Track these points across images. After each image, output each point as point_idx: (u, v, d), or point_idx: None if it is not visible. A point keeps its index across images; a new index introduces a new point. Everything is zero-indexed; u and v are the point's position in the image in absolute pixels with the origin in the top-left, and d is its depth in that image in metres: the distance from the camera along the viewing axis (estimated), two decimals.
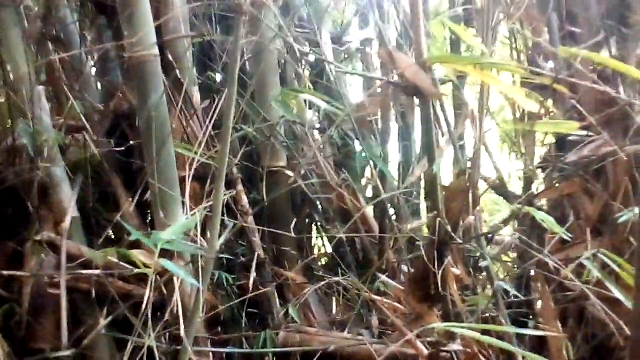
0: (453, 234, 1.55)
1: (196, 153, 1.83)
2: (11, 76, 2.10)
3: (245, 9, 1.19)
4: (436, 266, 1.53)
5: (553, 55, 2.73)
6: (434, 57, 1.37)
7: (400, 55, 1.41)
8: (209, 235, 1.40)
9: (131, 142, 2.23)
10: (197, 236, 1.51)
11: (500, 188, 2.37)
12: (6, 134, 2.34)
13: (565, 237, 2.01)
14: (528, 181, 2.78)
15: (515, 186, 3.11)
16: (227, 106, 1.23)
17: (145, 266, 1.43)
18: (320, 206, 2.39)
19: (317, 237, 2.53)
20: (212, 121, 2.13)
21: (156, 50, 1.63)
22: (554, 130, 1.57)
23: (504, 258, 2.77)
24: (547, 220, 1.62)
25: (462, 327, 1.34)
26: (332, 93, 2.32)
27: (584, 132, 2.14)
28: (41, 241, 1.83)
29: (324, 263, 2.55)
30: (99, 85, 2.50)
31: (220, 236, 1.30)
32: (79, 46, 2.41)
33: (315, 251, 2.62)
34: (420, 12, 1.32)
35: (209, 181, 1.93)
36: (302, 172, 2.27)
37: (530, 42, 2.91)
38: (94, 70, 2.60)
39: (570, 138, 2.43)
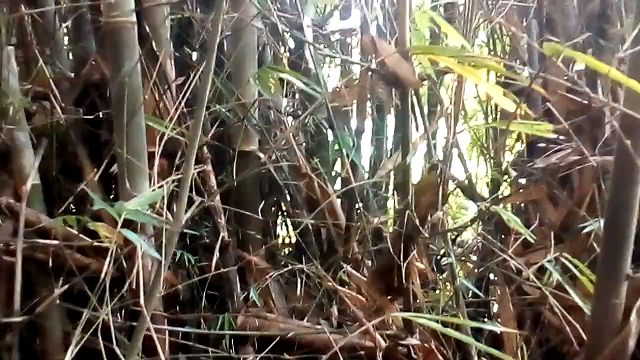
0: (420, 228, 1.55)
1: (167, 127, 1.80)
2: None
3: None
4: (401, 259, 1.53)
5: (529, 62, 2.78)
6: (417, 47, 1.37)
7: (383, 43, 1.40)
8: (174, 209, 1.37)
9: (100, 113, 2.20)
10: (162, 209, 1.48)
11: (467, 189, 2.39)
12: None
13: (529, 240, 2.05)
14: (495, 185, 2.83)
15: (483, 190, 3.16)
16: (203, 82, 1.21)
17: (106, 237, 1.39)
18: (288, 193, 2.37)
19: (282, 223, 2.50)
20: (185, 97, 2.11)
21: (133, 18, 1.59)
22: (527, 130, 1.57)
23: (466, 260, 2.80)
24: (512, 220, 1.64)
25: (421, 317, 1.35)
26: (309, 78, 2.30)
27: (554, 136, 2.18)
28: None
29: (288, 251, 2.54)
30: (70, 53, 2.44)
31: (186, 212, 1.27)
32: (52, 6, 2.34)
33: (280, 239, 2.60)
34: (405, 2, 1.31)
35: (177, 157, 1.92)
36: (273, 157, 2.25)
37: (508, 47, 2.97)
38: (66, 36, 2.54)
39: (539, 145, 2.47)
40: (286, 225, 2.51)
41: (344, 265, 1.88)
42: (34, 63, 2.25)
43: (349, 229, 2.22)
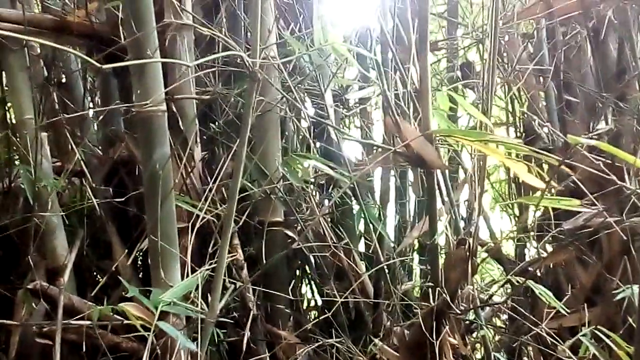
0: (451, 304, 1.54)
1: (195, 206, 1.83)
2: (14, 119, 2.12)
3: (259, 76, 1.21)
4: (433, 335, 1.52)
5: (549, 120, 2.80)
6: (440, 131, 1.39)
7: (406, 125, 1.44)
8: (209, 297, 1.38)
9: (130, 191, 2.24)
10: (196, 298, 1.49)
11: (495, 253, 2.38)
12: (2, 176, 2.35)
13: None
14: (521, 244, 2.80)
15: (508, 246, 3.13)
16: (236, 170, 1.24)
17: (144, 327, 1.40)
18: (314, 262, 2.37)
19: (308, 293, 2.50)
20: (213, 176, 2.16)
21: (164, 106, 1.64)
22: (556, 205, 1.58)
23: (495, 320, 2.76)
24: (545, 294, 1.63)
25: None
26: (332, 147, 2.34)
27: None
28: (34, 290, 1.80)
29: (314, 318, 2.53)
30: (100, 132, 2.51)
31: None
32: (82, 91, 2.43)
33: (307, 306, 2.59)
34: (428, 83, 1.35)
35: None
36: (298, 227, 2.27)
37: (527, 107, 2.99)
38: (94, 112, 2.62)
39: None
40: (313, 294, 2.51)
41: (374, 339, 1.86)
42: (64, 141, 2.33)
43: (378, 297, 2.21)
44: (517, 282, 1.69)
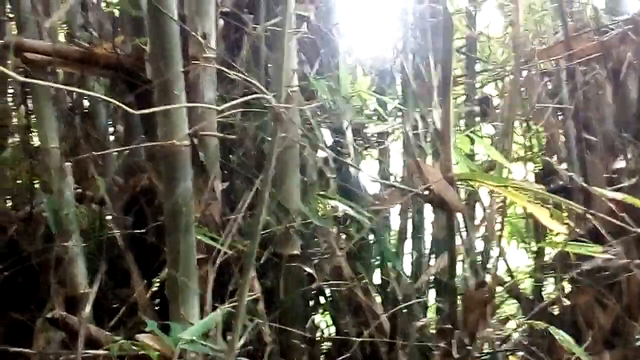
0: (470, 347, 1.53)
1: (214, 239, 1.84)
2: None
3: (284, 117, 1.23)
4: None
5: (568, 158, 2.79)
6: (462, 175, 1.40)
7: (428, 167, 1.44)
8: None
9: (149, 220, 2.26)
10: (215, 336, 1.50)
11: (513, 291, 2.37)
12: (23, 202, 2.39)
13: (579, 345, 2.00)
14: (539, 281, 2.78)
15: (525, 283, 3.10)
16: (258, 209, 1.25)
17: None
18: (330, 297, 2.37)
19: (322, 324, 2.49)
20: (231, 206, 2.17)
21: (187, 140, 1.66)
22: (579, 251, 1.57)
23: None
24: (564, 339, 1.61)
25: None
26: (349, 179, 2.35)
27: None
28: (53, 319, 1.81)
29: (328, 353, 2.51)
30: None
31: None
32: (105, 120, 2.47)
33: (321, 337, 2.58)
34: (450, 126, 1.36)
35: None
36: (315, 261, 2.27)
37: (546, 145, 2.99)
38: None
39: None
40: (328, 327, 2.50)
41: None
42: (86, 170, 2.36)
43: (394, 334, 2.20)
44: (536, 326, 1.67)
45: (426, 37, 1.83)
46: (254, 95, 1.39)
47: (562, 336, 1.63)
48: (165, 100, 1.61)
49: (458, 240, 1.94)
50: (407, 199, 1.90)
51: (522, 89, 2.77)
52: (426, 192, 1.40)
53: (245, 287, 1.27)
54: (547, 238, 2.92)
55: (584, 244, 1.63)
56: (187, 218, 1.64)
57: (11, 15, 2.28)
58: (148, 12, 1.61)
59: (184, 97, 1.65)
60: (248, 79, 1.50)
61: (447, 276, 1.45)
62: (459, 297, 1.54)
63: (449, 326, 1.53)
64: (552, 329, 1.65)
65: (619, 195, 1.28)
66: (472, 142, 1.50)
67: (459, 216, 1.69)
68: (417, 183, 1.59)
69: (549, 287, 2.82)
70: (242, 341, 1.41)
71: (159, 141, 1.73)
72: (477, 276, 1.68)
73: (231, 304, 1.47)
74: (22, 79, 1.60)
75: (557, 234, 2.02)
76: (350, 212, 1.86)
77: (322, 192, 2.09)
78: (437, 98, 1.48)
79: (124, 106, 0.95)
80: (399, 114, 1.93)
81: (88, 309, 1.87)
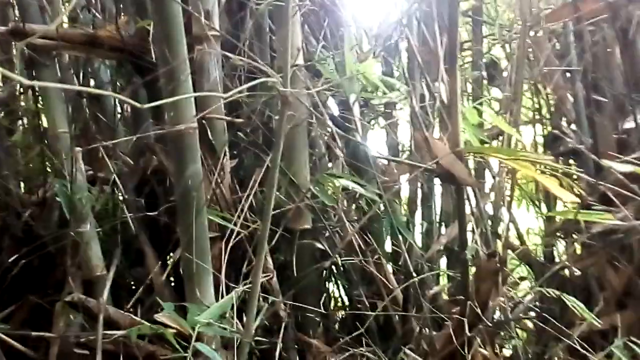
0: (482, 316, 1.55)
1: (225, 218, 1.86)
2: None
3: (291, 99, 1.23)
4: (465, 349, 1.53)
5: (577, 120, 2.77)
6: (471, 148, 1.40)
7: (436, 142, 1.44)
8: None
9: (161, 200, 2.28)
10: (231, 317, 1.52)
11: (524, 256, 2.38)
12: (37, 186, 2.41)
13: (591, 308, 2.02)
14: (549, 244, 2.79)
15: (535, 242, 3.10)
16: (268, 197, 1.26)
17: (181, 346, 1.43)
18: (342, 268, 2.39)
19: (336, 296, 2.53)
20: (240, 183, 2.19)
21: (195, 123, 1.67)
22: (590, 219, 1.57)
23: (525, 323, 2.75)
24: (576, 304, 1.63)
25: None
26: (358, 154, 2.35)
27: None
28: (72, 302, 1.85)
29: (343, 323, 2.55)
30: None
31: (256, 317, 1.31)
32: (112, 104, 2.47)
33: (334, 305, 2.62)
34: (458, 100, 1.35)
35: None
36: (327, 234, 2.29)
37: (554, 107, 2.96)
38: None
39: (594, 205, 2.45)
40: (341, 299, 2.53)
41: (404, 348, 1.88)
42: (96, 152, 2.38)
43: (407, 303, 2.23)
44: (548, 292, 1.69)
45: (431, 3, 1.80)
46: (260, 80, 1.39)
47: (573, 302, 1.65)
48: (171, 83, 1.62)
49: (468, 210, 1.96)
50: (415, 173, 1.90)
51: (530, 51, 2.74)
52: (434, 166, 1.40)
53: (259, 268, 1.29)
54: (557, 204, 2.93)
55: (594, 211, 1.63)
56: (199, 200, 1.65)
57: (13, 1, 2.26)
58: None
59: (189, 80, 1.65)
60: (253, 61, 1.49)
61: (457, 247, 1.46)
62: (470, 268, 1.56)
63: (461, 297, 1.55)
64: (564, 295, 1.66)
65: (628, 167, 1.26)
66: (480, 113, 1.50)
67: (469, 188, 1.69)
68: (425, 156, 1.59)
69: (560, 248, 2.83)
70: (257, 322, 1.43)
71: (166, 124, 1.74)
72: (487, 246, 1.70)
73: (246, 285, 1.49)
74: (27, 82, 1.59)
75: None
76: (360, 190, 1.86)
77: (330, 172, 2.09)
78: (443, 68, 1.47)
79: (130, 101, 0.95)
80: (405, 84, 1.92)
81: (106, 291, 1.90)
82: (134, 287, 2.32)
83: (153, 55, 1.82)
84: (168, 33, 1.61)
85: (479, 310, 1.52)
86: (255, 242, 2.00)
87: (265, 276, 1.75)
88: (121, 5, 2.49)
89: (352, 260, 2.27)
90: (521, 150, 1.43)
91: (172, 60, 1.58)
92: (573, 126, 2.85)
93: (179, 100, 1.57)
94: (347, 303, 2.56)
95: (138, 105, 0.93)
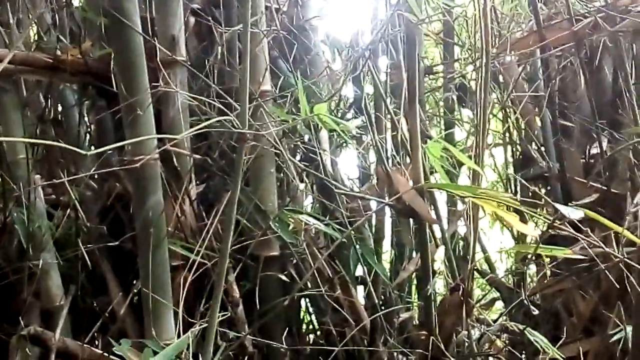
0: (445, 351, 1.54)
1: (192, 250, 1.83)
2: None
3: (248, 137, 1.21)
4: None
5: (544, 145, 2.79)
6: (432, 185, 1.39)
7: (398, 177, 1.43)
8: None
9: (125, 226, 2.24)
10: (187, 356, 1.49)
11: (493, 282, 2.38)
12: None
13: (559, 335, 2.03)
14: (519, 269, 2.79)
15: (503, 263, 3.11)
16: (227, 221, 1.23)
17: None
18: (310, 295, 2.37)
19: (306, 326, 2.50)
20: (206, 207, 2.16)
21: (156, 154, 1.64)
22: (554, 254, 1.57)
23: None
24: (543, 342, 1.62)
25: None
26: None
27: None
28: (28, 335, 1.80)
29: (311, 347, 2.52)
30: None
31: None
32: (77, 127, 2.43)
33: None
34: (418, 138, 1.34)
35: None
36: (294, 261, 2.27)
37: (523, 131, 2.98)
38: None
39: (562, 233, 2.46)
40: (308, 328, 2.50)
41: None
42: (58, 177, 2.32)
43: (375, 331, 2.20)
44: (511, 326, 1.68)
45: (397, 38, 1.80)
46: (219, 118, 1.37)
47: (536, 336, 1.64)
48: (132, 113, 1.58)
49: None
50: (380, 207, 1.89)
51: (499, 74, 2.77)
52: (396, 203, 1.39)
53: (216, 303, 1.25)
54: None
55: (555, 246, 1.63)
56: (159, 232, 1.62)
57: None
58: (109, 21, 1.57)
59: (150, 111, 1.62)
60: (211, 100, 1.46)
61: (420, 282, 1.44)
62: (434, 302, 1.54)
63: (424, 332, 1.53)
64: (529, 330, 1.65)
65: (588, 213, 1.26)
66: (444, 147, 1.49)
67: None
68: (388, 189, 1.58)
69: (531, 271, 2.84)
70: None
71: (127, 153, 1.71)
72: (454, 275, 1.68)
73: (205, 321, 1.45)
74: None
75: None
76: (321, 227, 1.84)
77: (293, 203, 2.07)
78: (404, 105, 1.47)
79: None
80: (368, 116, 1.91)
81: (61, 322, 1.85)
82: (96, 315, 2.26)
83: (115, 85, 1.79)
84: (128, 62, 1.58)
85: (441, 345, 1.50)
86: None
87: (223, 314, 1.71)
88: (85, 27, 2.45)
89: (320, 289, 2.24)
90: (480, 187, 1.42)
91: (132, 91, 1.55)
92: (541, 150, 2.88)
93: (139, 130, 1.54)
94: (316, 330, 2.53)
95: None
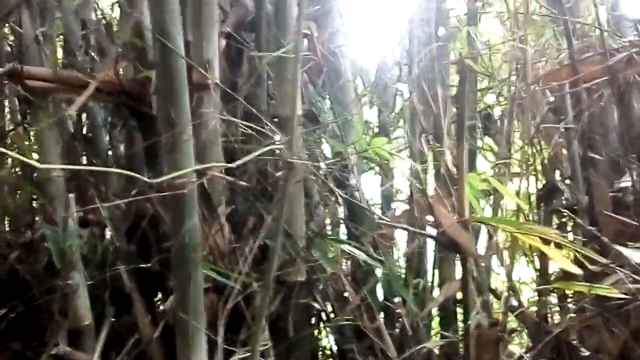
0: None
1: (224, 274, 1.82)
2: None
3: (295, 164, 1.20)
4: None
5: (572, 177, 2.77)
6: (477, 218, 1.38)
7: (441, 209, 1.42)
8: None
9: (152, 245, 2.23)
10: None
11: (520, 316, 2.35)
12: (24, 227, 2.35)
13: None
14: (543, 300, 2.76)
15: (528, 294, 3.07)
16: (272, 249, 1.23)
17: None
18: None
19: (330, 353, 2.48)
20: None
21: (194, 178, 1.64)
22: (589, 291, 1.55)
23: None
24: None
25: None
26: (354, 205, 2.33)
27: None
28: (57, 355, 1.78)
29: None
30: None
31: None
32: (106, 145, 2.44)
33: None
34: (465, 171, 1.34)
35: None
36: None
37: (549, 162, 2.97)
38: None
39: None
40: (332, 355, 2.48)
41: None
42: (87, 194, 2.33)
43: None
44: None
45: (434, 68, 1.80)
46: (268, 147, 1.37)
47: None
48: (172, 136, 1.59)
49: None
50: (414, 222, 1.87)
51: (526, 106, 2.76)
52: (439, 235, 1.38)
53: (259, 331, 1.24)
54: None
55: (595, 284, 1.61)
56: (195, 255, 1.61)
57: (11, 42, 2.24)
58: (154, 46, 1.58)
59: (190, 133, 1.62)
60: (255, 125, 1.47)
61: (461, 317, 1.43)
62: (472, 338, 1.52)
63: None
64: None
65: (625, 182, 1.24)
66: (483, 180, 1.48)
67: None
68: (423, 218, 1.57)
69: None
70: None
71: (163, 172, 1.70)
72: (487, 310, 1.67)
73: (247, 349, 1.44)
74: None
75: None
76: (362, 256, 1.83)
77: (332, 237, 2.06)
78: (447, 136, 1.46)
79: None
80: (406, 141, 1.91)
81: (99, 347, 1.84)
82: (121, 336, 2.24)
83: (153, 105, 1.80)
84: (171, 85, 1.59)
85: None
86: (247, 294, 1.97)
87: (264, 344, 1.70)
88: (119, 46, 2.47)
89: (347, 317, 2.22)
90: (526, 223, 1.41)
91: (173, 113, 1.56)
92: (567, 181, 2.86)
93: (178, 154, 1.54)
94: (340, 357, 2.50)
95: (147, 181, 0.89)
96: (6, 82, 2.04)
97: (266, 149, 1.44)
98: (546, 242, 1.71)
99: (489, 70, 3.13)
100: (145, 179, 1.23)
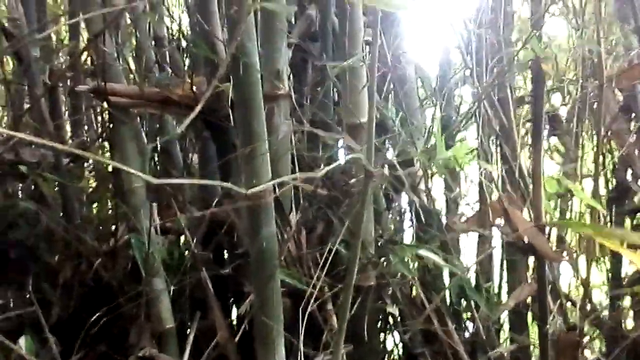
0: None
1: (297, 279, 1.88)
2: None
3: (375, 173, 1.25)
4: None
5: None
6: (555, 223, 1.39)
7: (516, 213, 1.44)
8: None
9: (227, 252, 2.32)
10: None
11: (595, 320, 2.31)
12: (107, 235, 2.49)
13: None
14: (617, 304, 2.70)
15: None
16: (352, 257, 1.27)
17: None
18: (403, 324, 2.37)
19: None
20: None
21: (271, 188, 1.70)
22: None
23: None
24: None
25: None
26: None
27: None
28: (144, 357, 1.88)
29: None
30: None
31: None
32: (181, 156, 2.55)
33: None
34: (541, 173, 1.35)
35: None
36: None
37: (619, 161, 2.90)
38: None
39: None
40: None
41: None
42: (165, 203, 2.44)
43: None
44: None
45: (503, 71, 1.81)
46: (351, 156, 1.41)
47: None
48: (249, 147, 1.66)
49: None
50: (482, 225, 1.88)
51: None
52: (515, 239, 1.39)
53: (341, 336, 1.29)
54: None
55: None
56: (273, 262, 1.68)
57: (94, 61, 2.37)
58: (231, 60, 1.65)
59: (266, 144, 1.69)
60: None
61: (538, 321, 1.43)
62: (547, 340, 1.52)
63: None
64: None
65: None
66: (559, 182, 1.48)
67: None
68: (493, 220, 1.58)
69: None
70: None
71: (240, 182, 1.78)
72: (563, 314, 1.66)
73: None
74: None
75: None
76: (443, 264, 1.86)
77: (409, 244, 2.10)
78: (520, 139, 1.47)
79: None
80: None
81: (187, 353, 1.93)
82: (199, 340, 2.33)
83: (232, 120, 1.88)
84: (248, 98, 1.66)
85: None
86: (322, 300, 2.02)
87: (346, 346, 1.74)
88: (192, 61, 2.59)
89: (415, 319, 2.24)
90: (605, 227, 1.41)
91: (251, 125, 1.63)
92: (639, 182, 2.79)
93: (256, 164, 1.61)
94: None
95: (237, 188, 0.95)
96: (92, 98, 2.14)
97: (349, 157, 1.48)
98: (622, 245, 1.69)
99: (555, 69, 3.09)
100: (237, 188, 1.28)
